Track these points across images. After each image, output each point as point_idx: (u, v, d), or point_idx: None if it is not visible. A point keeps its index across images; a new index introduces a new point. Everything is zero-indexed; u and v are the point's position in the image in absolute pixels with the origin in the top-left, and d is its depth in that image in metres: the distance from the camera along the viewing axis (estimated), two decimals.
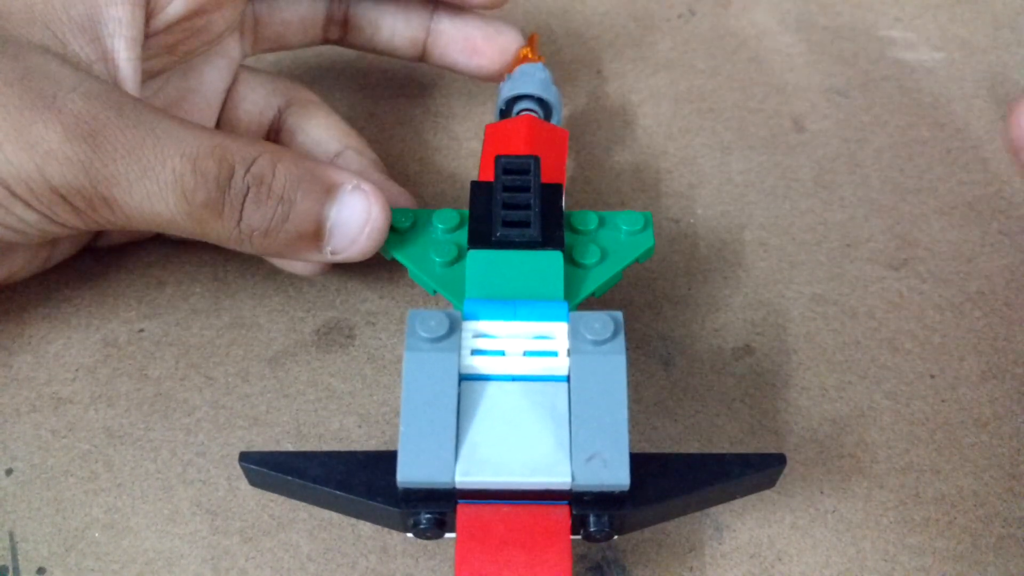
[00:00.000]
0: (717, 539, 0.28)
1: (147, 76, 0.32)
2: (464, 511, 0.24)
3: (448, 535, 0.25)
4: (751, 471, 0.25)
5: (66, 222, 0.28)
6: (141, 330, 0.33)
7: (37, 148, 0.26)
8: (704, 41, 0.44)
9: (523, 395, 0.25)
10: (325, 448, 0.30)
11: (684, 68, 0.42)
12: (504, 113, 0.35)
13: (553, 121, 0.35)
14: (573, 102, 0.41)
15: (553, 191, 0.30)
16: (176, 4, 0.30)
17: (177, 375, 0.32)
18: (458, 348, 0.25)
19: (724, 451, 0.30)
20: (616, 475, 0.24)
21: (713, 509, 0.29)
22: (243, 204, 0.28)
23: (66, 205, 0.27)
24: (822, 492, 0.29)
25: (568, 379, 0.25)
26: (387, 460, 0.24)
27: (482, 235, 0.29)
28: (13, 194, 0.27)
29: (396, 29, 0.36)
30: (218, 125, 0.35)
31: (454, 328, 0.25)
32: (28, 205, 0.27)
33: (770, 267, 0.35)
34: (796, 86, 0.42)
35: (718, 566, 0.28)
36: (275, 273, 0.34)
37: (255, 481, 0.26)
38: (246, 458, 0.25)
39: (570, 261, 0.29)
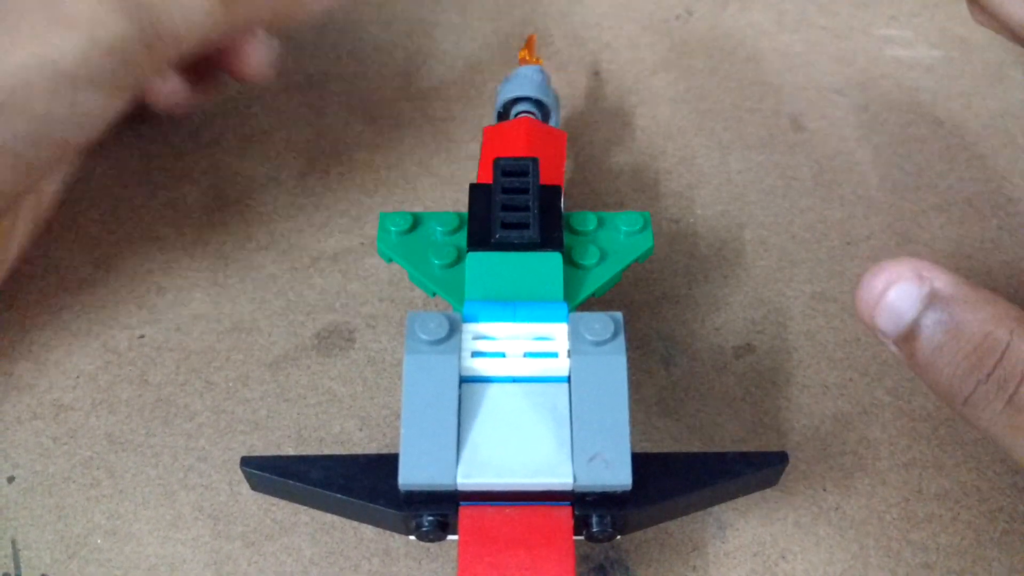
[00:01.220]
0: (720, 538, 0.28)
1: None
2: (466, 513, 0.24)
3: (450, 537, 0.25)
4: (753, 469, 0.25)
5: (127, 81, 0.28)
6: (141, 336, 0.33)
7: (78, 21, 0.27)
8: (702, 41, 0.44)
9: (524, 396, 0.25)
10: (326, 452, 0.30)
11: (682, 68, 0.42)
12: (502, 115, 0.35)
13: (551, 123, 0.35)
14: (571, 103, 0.41)
15: (552, 192, 0.30)
16: None
17: (178, 380, 0.32)
18: (458, 350, 0.25)
19: (726, 450, 0.30)
20: (618, 475, 0.24)
21: (716, 508, 0.29)
22: None
23: (124, 63, 0.28)
24: (825, 489, 0.29)
25: (569, 380, 0.25)
26: (389, 463, 0.24)
27: (481, 237, 0.29)
28: (76, 81, 0.27)
29: None
30: None
31: (454, 330, 0.25)
32: (92, 84, 0.27)
33: (770, 266, 0.35)
34: (794, 85, 0.42)
35: (721, 565, 0.28)
36: (275, 277, 0.35)
37: (257, 486, 0.26)
38: (247, 463, 0.25)
39: (569, 262, 0.29)
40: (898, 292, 0.23)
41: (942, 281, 0.23)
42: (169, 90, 0.34)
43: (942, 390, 0.23)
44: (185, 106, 0.35)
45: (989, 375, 0.22)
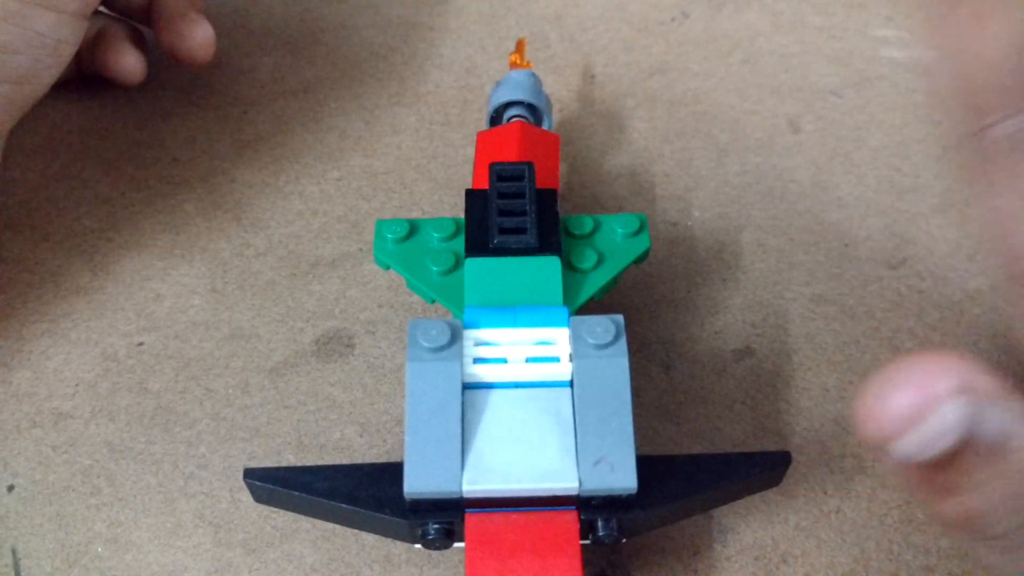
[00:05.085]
0: (721, 541, 0.28)
1: None
2: (472, 520, 0.24)
3: (457, 544, 0.25)
4: (758, 470, 0.25)
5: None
6: (140, 343, 0.33)
7: None
8: (698, 43, 0.44)
9: (527, 402, 0.25)
10: (327, 458, 0.30)
11: (678, 71, 0.42)
12: (494, 120, 0.35)
13: (544, 126, 0.35)
14: (567, 107, 0.41)
15: (548, 196, 0.30)
16: None
17: (177, 388, 0.32)
18: (460, 357, 0.25)
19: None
20: (623, 478, 0.24)
21: (716, 511, 0.29)
22: None
23: None
24: (825, 492, 0.29)
25: (571, 384, 0.25)
26: (393, 472, 0.24)
27: (479, 243, 0.29)
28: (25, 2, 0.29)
29: None
30: None
31: (455, 337, 0.25)
32: (41, 4, 0.29)
33: (768, 268, 0.35)
34: (791, 87, 0.42)
35: (722, 569, 0.28)
36: (274, 283, 0.34)
37: (260, 497, 0.26)
38: (251, 475, 0.25)
39: (567, 266, 0.29)
40: (940, 413, 0.18)
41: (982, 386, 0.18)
42: (125, 63, 0.38)
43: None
44: (136, 76, 0.38)
45: None
